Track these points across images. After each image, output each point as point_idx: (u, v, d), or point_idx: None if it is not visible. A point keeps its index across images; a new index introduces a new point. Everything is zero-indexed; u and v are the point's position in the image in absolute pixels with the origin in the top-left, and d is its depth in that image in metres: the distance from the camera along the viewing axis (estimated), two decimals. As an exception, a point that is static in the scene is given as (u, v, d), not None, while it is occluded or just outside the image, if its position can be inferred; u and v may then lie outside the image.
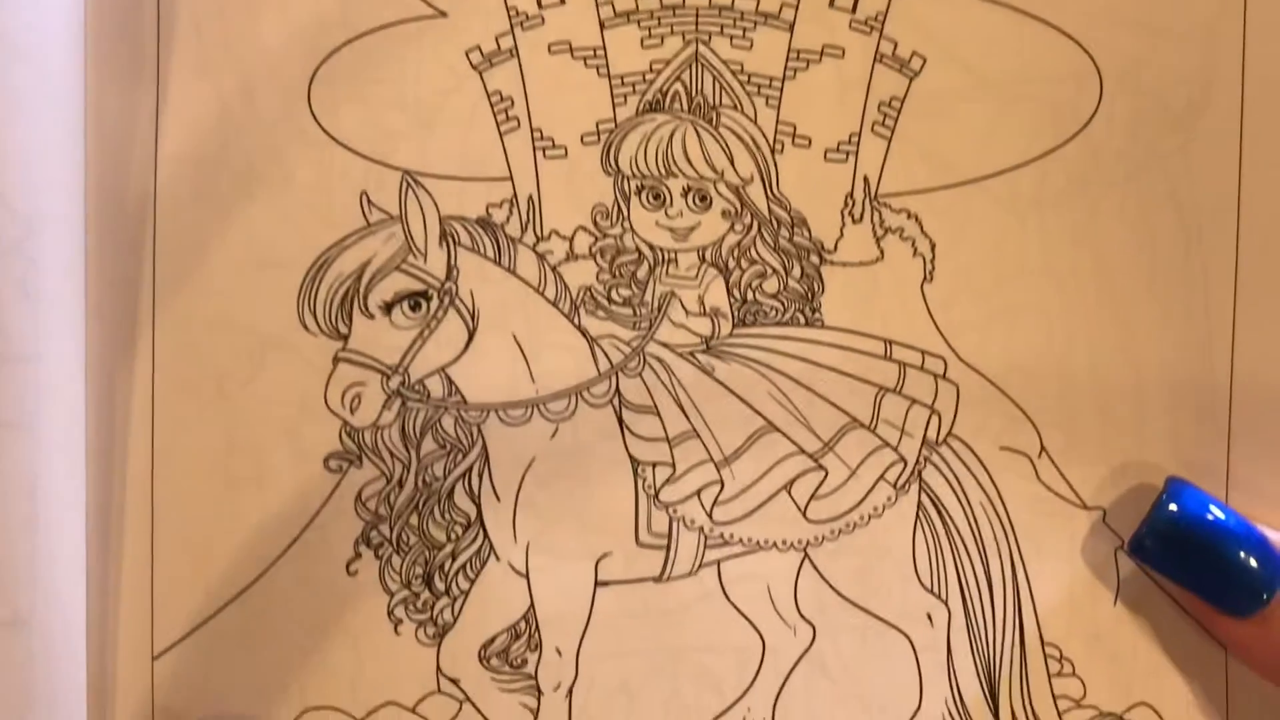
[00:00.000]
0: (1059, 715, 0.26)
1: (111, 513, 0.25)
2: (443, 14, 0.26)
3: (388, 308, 0.26)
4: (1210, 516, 0.25)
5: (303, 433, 0.26)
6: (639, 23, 0.26)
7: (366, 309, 0.26)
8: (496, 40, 0.26)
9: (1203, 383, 0.26)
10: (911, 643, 0.26)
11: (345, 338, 0.26)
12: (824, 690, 0.26)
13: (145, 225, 0.26)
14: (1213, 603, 0.25)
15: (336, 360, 0.26)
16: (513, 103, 0.26)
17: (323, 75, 0.26)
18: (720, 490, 0.26)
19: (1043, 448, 0.27)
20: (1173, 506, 0.25)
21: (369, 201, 0.26)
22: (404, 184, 0.26)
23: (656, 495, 0.26)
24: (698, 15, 0.26)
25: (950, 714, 0.26)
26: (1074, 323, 0.26)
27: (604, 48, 0.26)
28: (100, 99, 0.25)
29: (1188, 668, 0.27)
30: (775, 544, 0.26)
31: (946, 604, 0.26)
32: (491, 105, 0.26)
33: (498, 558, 0.26)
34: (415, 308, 0.26)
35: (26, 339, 0.24)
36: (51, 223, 0.24)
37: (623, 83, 0.26)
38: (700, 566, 0.26)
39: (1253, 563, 0.25)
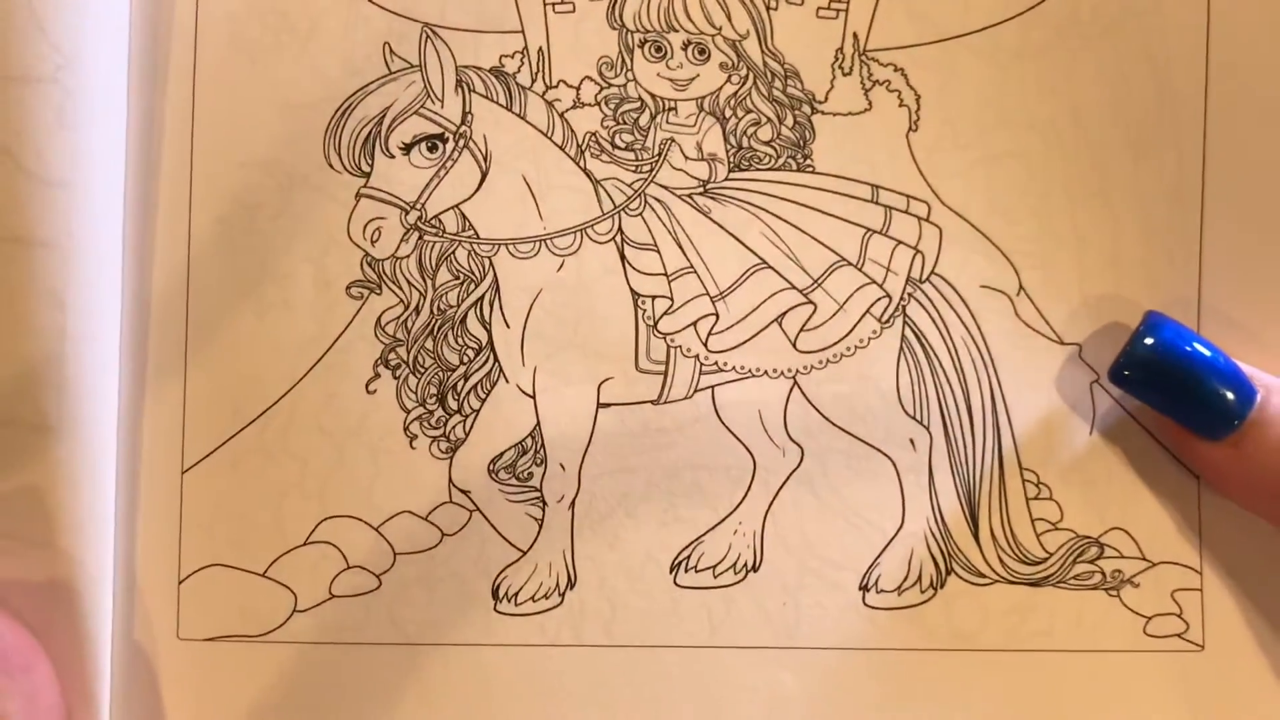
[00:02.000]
0: (1036, 536, 0.28)
1: (145, 331, 0.28)
2: (462, -121, 0.28)
3: (407, 148, 0.28)
4: (1186, 346, 0.27)
5: (327, 262, 0.28)
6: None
7: (388, 149, 0.28)
8: (510, -96, 0.28)
9: (1175, 223, 0.28)
10: (895, 465, 0.28)
11: (368, 175, 0.28)
12: (811, 506, 0.28)
13: (185, 66, 0.28)
14: (1189, 427, 0.27)
15: (359, 196, 0.28)
16: (524, -40, 0.28)
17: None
18: (715, 321, 0.28)
19: (1021, 286, 0.28)
20: (1149, 339, 0.27)
21: (391, 51, 0.28)
22: (423, 35, 0.28)
23: (655, 325, 0.28)
24: (699, -117, 0.28)
25: (931, 532, 0.28)
26: (1052, 169, 0.28)
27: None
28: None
29: (1161, 494, 0.28)
30: (766, 371, 0.28)
31: (929, 430, 0.28)
32: (505, -38, 0.28)
33: (506, 380, 0.28)
34: (432, 149, 0.28)
35: (63, 165, 0.26)
36: (91, 57, 0.26)
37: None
38: (695, 391, 0.28)
39: (1225, 389, 0.26)
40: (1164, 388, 0.27)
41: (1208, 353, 0.27)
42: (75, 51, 0.26)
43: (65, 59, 0.26)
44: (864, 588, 0.28)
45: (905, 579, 0.28)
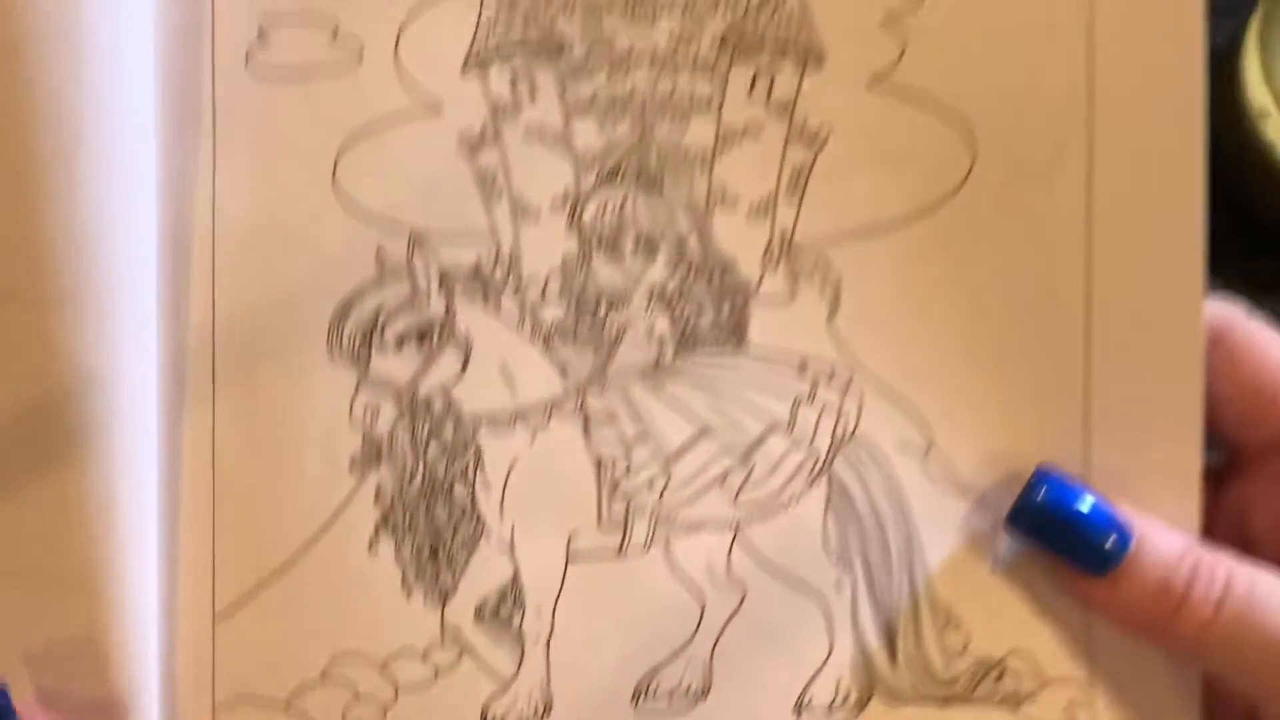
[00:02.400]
0: (946, 661, 0.32)
1: (177, 502, 0.32)
2: (439, 109, 0.33)
3: (399, 341, 0.33)
4: (1069, 496, 0.31)
5: (332, 442, 0.33)
6: (596, 112, 0.33)
7: (382, 342, 0.33)
8: (482, 129, 0.33)
9: (1063, 385, 0.32)
10: (824, 604, 0.33)
11: (365, 365, 0.33)
12: (752, 640, 0.33)
13: (206, 275, 0.33)
14: (1075, 566, 0.31)
15: (358, 384, 0.33)
16: (496, 177, 0.33)
17: (345, 158, 0.33)
18: (667, 482, 0.33)
19: (931, 443, 0.33)
20: (1039, 491, 0.31)
21: (383, 258, 0.33)
22: (410, 244, 0.33)
23: (615, 486, 0.33)
24: (644, 105, 0.33)
25: (855, 660, 0.33)
26: (954, 340, 0.32)
27: (569, 132, 0.33)
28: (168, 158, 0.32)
29: (1056, 619, 0.32)
30: (713, 523, 0.33)
31: (852, 572, 0.33)
32: (479, 180, 0.33)
33: (489, 536, 0.33)
34: (421, 341, 0.33)
35: (101, 361, 0.31)
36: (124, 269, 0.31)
37: (584, 159, 0.33)
38: (651, 543, 0.33)
39: (1105, 535, 0.31)
40: (1051, 535, 0.31)
41: (1090, 500, 0.31)
42: (108, 272, 0.31)
43: (100, 281, 0.31)
44: (798, 708, 0.32)
45: (834, 701, 0.32)
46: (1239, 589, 0.30)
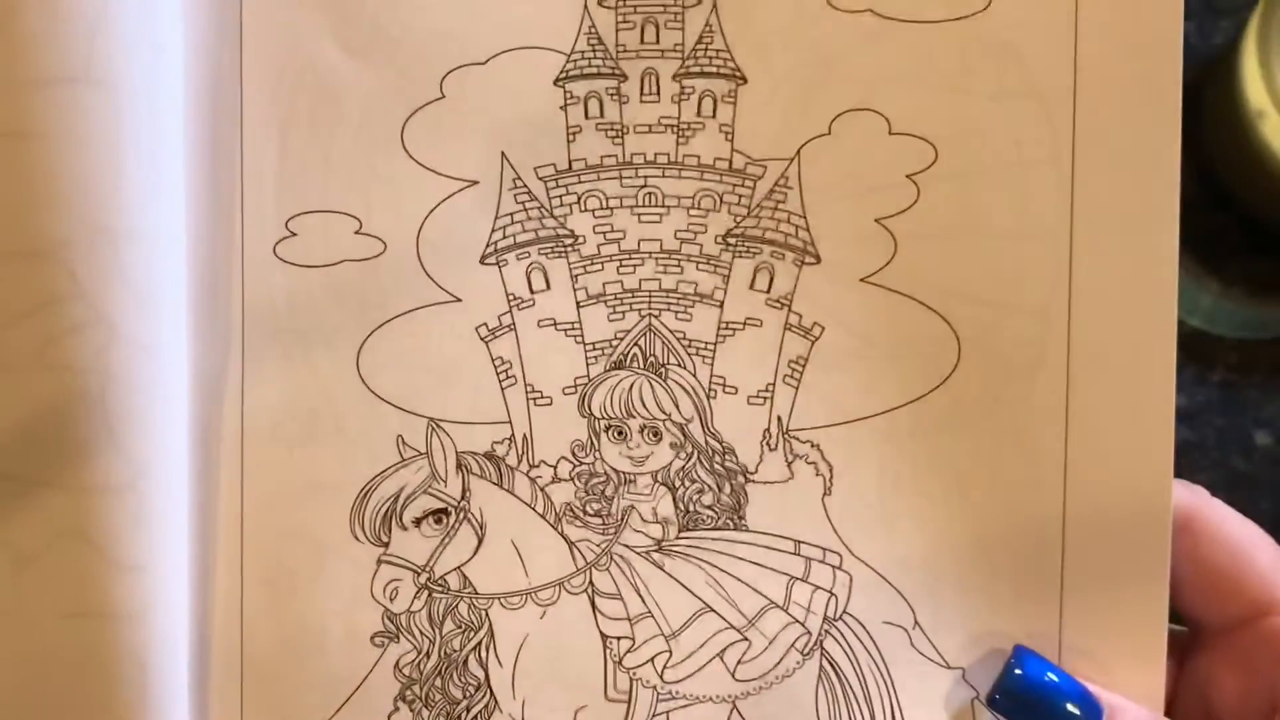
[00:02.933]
0: (929, 829, 0.35)
1: (207, 680, 0.34)
2: (458, 299, 0.35)
3: (417, 522, 0.34)
4: (1044, 676, 0.33)
5: (355, 617, 0.34)
6: (606, 303, 0.35)
7: (402, 523, 0.34)
8: (499, 318, 0.35)
9: (1041, 570, 0.35)
10: None
11: (386, 544, 0.34)
12: None
13: (234, 459, 0.34)
14: None
15: (380, 562, 0.34)
16: (511, 365, 0.35)
17: (368, 346, 0.34)
18: (669, 658, 0.35)
19: (916, 621, 0.35)
20: (1017, 671, 0.33)
21: (404, 442, 0.34)
22: (429, 429, 0.34)
23: (620, 662, 0.35)
24: (650, 296, 0.35)
25: (844, 828, 0.35)
26: (939, 526, 0.35)
27: (579, 322, 0.35)
28: (198, 347, 0.34)
29: None
30: (710, 698, 0.35)
31: (842, 744, 0.35)
32: (495, 367, 0.35)
33: (501, 710, 0.35)
34: (438, 521, 0.34)
35: (139, 553, 0.32)
36: (159, 465, 0.33)
37: (594, 347, 0.35)
38: (654, 716, 0.35)
39: (1076, 711, 0.33)
40: (1028, 713, 0.33)
41: (1064, 681, 0.33)
42: (145, 462, 0.33)
43: (138, 469, 0.33)
44: None
45: None
46: None
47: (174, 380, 0.33)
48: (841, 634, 0.35)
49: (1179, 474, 0.39)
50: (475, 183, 0.35)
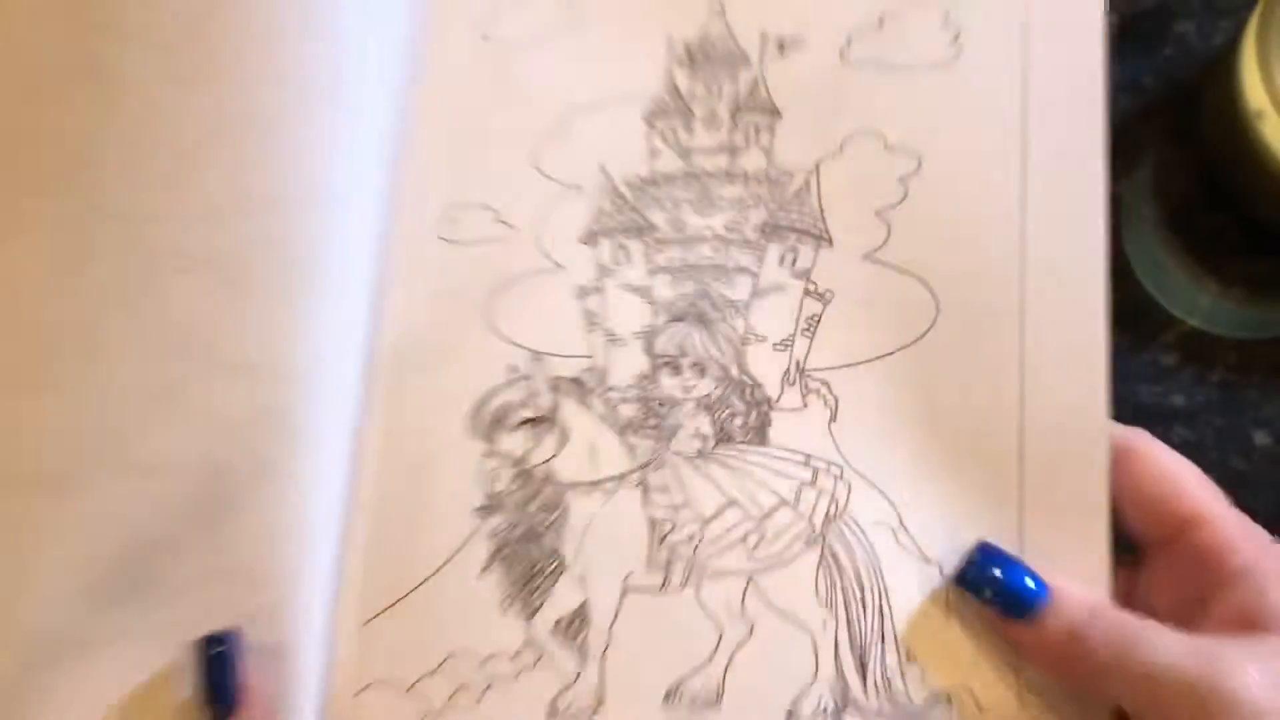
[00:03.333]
0: (906, 687, 0.42)
1: (349, 533, 0.45)
2: (561, 266, 0.47)
3: (517, 426, 0.46)
4: (1002, 561, 0.41)
5: (464, 496, 0.45)
6: (670, 273, 0.46)
7: (506, 427, 0.46)
8: (590, 282, 0.47)
9: (1001, 483, 0.42)
10: (813, 638, 0.43)
11: (492, 442, 0.46)
12: (756, 662, 0.43)
13: (385, 379, 0.47)
14: (1005, 615, 0.40)
15: (486, 455, 0.45)
16: (596, 315, 0.46)
17: (494, 300, 0.47)
18: (701, 539, 0.44)
19: (901, 522, 0.43)
20: (979, 556, 0.41)
21: (511, 368, 0.46)
22: (532, 358, 0.46)
23: (662, 540, 0.44)
24: (704, 270, 0.46)
25: (834, 683, 0.42)
26: (922, 447, 0.43)
27: (651, 286, 0.46)
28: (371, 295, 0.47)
29: (993, 659, 0.41)
30: (731, 571, 0.43)
31: (835, 616, 0.43)
32: (584, 317, 0.46)
33: (568, 571, 0.44)
34: (533, 426, 0.45)
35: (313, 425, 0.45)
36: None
37: (659, 305, 0.46)
38: (685, 584, 0.44)
39: (1027, 591, 0.40)
40: (985, 590, 0.41)
41: (1018, 565, 0.40)
42: (319, 382, 0.45)
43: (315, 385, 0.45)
44: (788, 716, 0.42)
45: (815, 712, 0.42)
46: (1127, 635, 0.38)
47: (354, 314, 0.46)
48: (840, 530, 0.43)
49: None
50: (580, 187, 0.47)
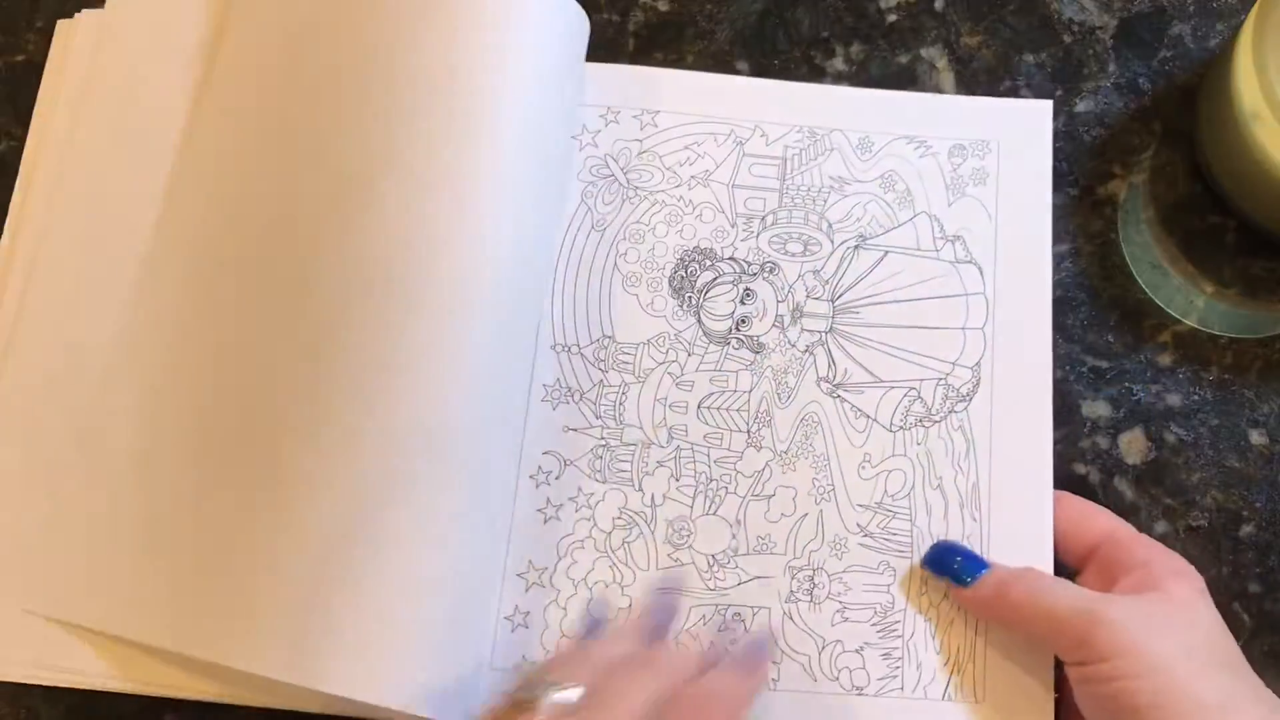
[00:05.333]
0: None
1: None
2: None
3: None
4: (952, 548, 0.47)
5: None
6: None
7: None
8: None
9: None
10: None
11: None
12: None
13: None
14: (954, 582, 0.46)
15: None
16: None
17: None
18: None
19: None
20: (938, 546, 0.47)
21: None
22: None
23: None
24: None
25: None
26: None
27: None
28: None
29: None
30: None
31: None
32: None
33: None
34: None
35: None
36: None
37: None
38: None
39: (966, 564, 0.46)
40: (940, 567, 0.46)
41: (963, 548, 0.46)
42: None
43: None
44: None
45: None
46: (1039, 586, 0.44)
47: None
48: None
49: (1179, 471, 0.48)
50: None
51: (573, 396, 0.48)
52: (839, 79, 0.53)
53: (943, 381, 0.48)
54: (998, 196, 0.50)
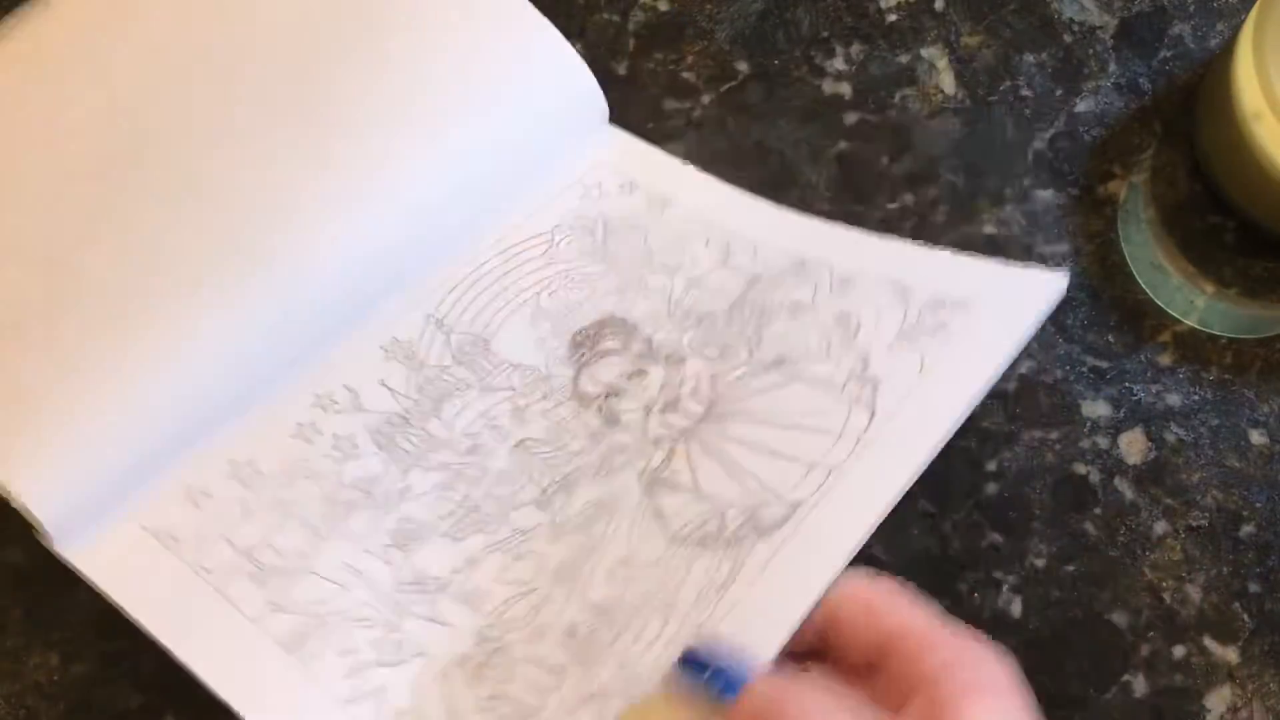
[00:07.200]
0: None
1: None
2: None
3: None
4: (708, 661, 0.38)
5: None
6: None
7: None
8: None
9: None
10: None
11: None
12: None
13: None
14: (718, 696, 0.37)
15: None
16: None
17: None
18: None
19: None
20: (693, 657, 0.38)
21: None
22: None
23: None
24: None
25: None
26: None
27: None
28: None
29: None
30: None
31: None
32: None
33: None
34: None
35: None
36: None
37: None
38: None
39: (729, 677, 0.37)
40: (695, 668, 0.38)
41: (722, 664, 0.37)
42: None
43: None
44: None
45: None
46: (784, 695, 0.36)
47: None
48: None
49: (1179, 471, 0.48)
50: None
51: (410, 362, 0.46)
52: (839, 79, 0.53)
53: (754, 513, 0.42)
54: (942, 351, 0.43)
